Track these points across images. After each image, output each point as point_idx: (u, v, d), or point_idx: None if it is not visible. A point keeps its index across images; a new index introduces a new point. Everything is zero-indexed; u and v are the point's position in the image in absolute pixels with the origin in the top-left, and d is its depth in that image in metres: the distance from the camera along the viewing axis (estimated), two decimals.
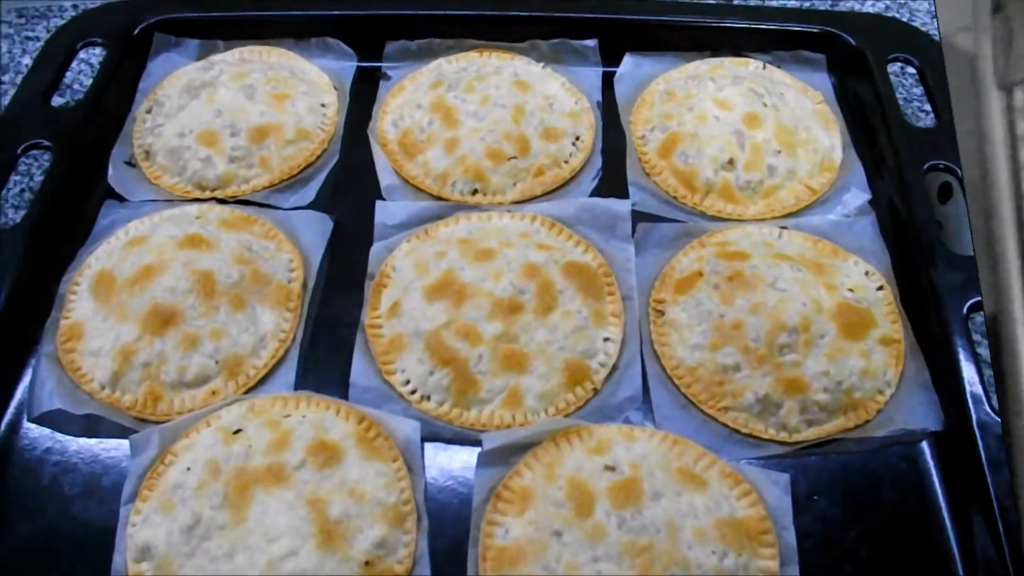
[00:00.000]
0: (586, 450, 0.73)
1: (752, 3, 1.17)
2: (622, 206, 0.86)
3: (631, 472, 0.70)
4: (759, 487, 0.72)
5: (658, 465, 0.71)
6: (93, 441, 0.75)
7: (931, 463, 0.73)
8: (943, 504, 0.71)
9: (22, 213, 0.92)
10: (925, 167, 0.85)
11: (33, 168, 0.96)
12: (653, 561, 0.65)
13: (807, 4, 1.17)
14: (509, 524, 0.69)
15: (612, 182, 0.91)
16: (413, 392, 0.77)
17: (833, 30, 0.97)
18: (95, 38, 0.96)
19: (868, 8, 1.17)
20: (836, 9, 1.17)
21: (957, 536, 0.69)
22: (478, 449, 0.73)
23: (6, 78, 1.09)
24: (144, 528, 0.69)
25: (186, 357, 0.76)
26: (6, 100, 1.04)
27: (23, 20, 1.16)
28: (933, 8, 1.16)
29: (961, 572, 0.68)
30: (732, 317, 0.78)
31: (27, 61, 1.09)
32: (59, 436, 0.75)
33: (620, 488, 0.69)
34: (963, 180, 0.84)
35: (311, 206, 0.89)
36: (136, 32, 0.99)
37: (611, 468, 0.71)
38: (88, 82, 1.00)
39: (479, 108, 0.91)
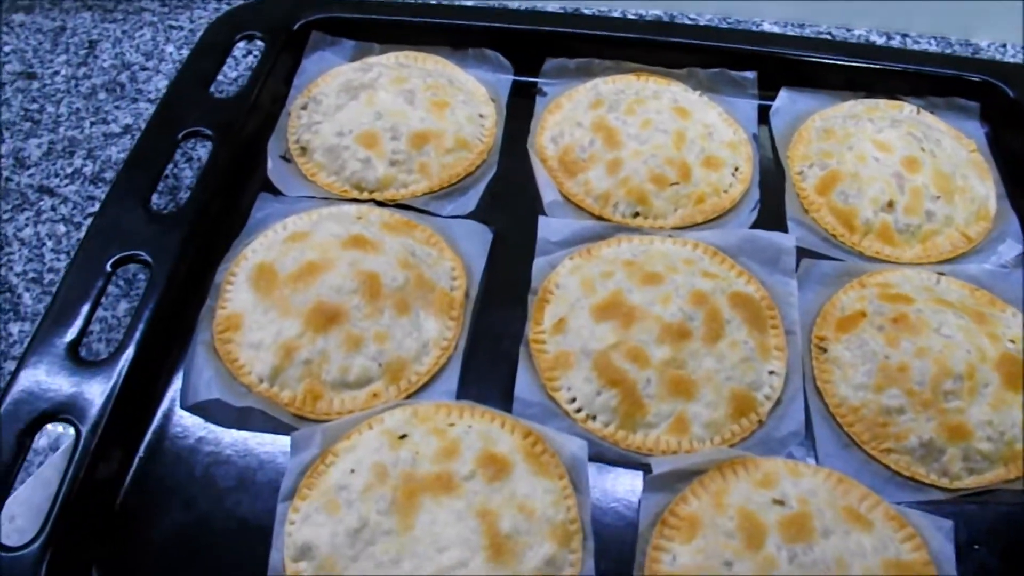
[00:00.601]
0: (752, 482, 0.72)
1: (896, 45, 1.18)
2: (787, 240, 0.86)
3: (800, 507, 0.70)
4: (922, 532, 0.71)
5: (825, 503, 0.71)
6: (247, 434, 0.75)
7: None
8: None
9: (166, 199, 0.93)
10: None
11: (176, 155, 0.95)
12: None
13: (948, 50, 1.18)
14: (676, 551, 0.69)
15: (769, 215, 0.91)
16: (579, 411, 0.76)
17: (992, 80, 0.98)
18: (254, 31, 0.97)
19: (1009, 58, 1.18)
20: (986, 57, 1.18)
21: None
22: (642, 473, 0.73)
23: (150, 64, 1.10)
24: (304, 527, 0.69)
25: (349, 357, 0.76)
26: (150, 86, 1.07)
27: (166, 9, 1.18)
28: None
29: None
30: (897, 359, 0.78)
31: (171, 49, 1.11)
32: (212, 427, 0.75)
33: (790, 522, 0.69)
34: None
35: (470, 216, 0.89)
36: (295, 28, 0.99)
37: (780, 502, 0.71)
38: (233, 75, 1.01)
39: (640, 131, 0.92)
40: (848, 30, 1.18)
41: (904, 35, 1.19)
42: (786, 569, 0.66)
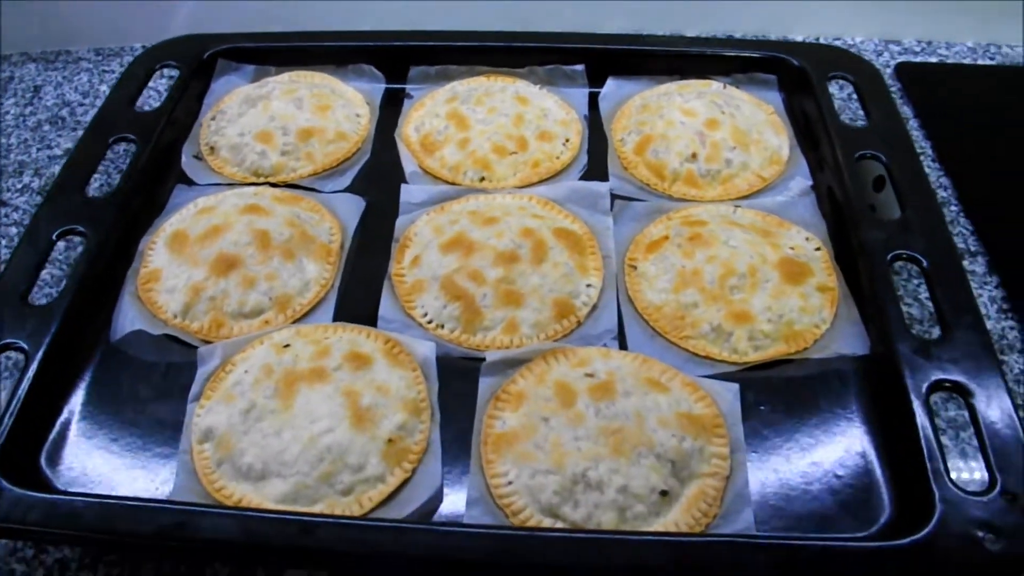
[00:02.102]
0: (570, 364, 0.98)
1: (722, 35, 1.51)
2: (603, 187, 1.18)
3: (607, 377, 0.95)
4: (713, 394, 0.96)
5: (629, 374, 0.96)
6: (164, 358, 1.02)
7: (858, 379, 0.98)
8: (864, 408, 0.95)
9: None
10: (857, 155, 1.14)
11: (109, 167, 1.28)
12: (623, 441, 0.89)
13: (762, 37, 1.52)
14: (506, 417, 0.94)
15: (595, 175, 1.22)
16: (430, 322, 1.04)
17: (780, 55, 1.31)
18: (171, 61, 1.32)
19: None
20: (783, 39, 1.52)
21: (876, 428, 0.94)
22: (481, 365, 0.99)
23: (87, 100, 1.47)
24: (207, 416, 0.95)
25: (245, 294, 1.05)
26: (87, 117, 1.41)
27: (100, 57, 1.57)
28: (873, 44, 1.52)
29: (874, 453, 0.92)
30: (692, 267, 1.05)
31: (104, 88, 1.46)
32: (137, 354, 1.02)
33: (597, 387, 0.94)
34: (890, 168, 1.14)
35: (347, 191, 1.21)
36: (205, 57, 1.34)
37: (590, 375, 0.96)
38: (155, 104, 1.33)
39: (486, 116, 1.25)
40: (682, 36, 1.52)
41: (730, 35, 1.52)
42: (593, 421, 0.91)
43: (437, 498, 0.90)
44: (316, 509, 0.88)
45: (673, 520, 0.87)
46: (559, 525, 0.86)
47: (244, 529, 0.82)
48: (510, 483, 0.90)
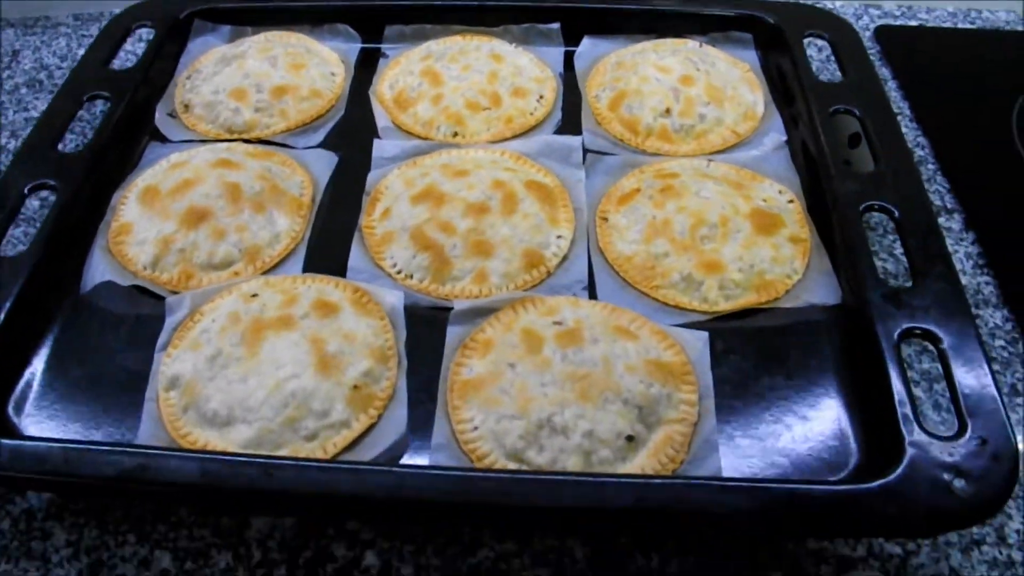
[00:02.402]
0: (539, 313, 0.97)
1: None
2: (575, 140, 1.18)
3: (575, 325, 0.94)
4: (683, 343, 0.95)
5: (597, 322, 0.95)
6: (133, 308, 1.01)
7: (829, 328, 0.97)
8: (834, 356, 0.95)
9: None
10: (831, 109, 1.13)
11: (86, 128, 1.28)
12: (590, 387, 0.88)
13: None
14: (473, 364, 0.93)
15: (569, 130, 1.21)
16: (399, 272, 1.03)
17: (756, 13, 1.30)
18: (147, 21, 1.32)
19: None
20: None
21: (846, 377, 0.93)
22: (450, 314, 0.98)
23: (65, 64, 1.47)
24: (174, 364, 0.94)
25: (215, 246, 1.04)
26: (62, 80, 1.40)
27: (79, 22, 1.57)
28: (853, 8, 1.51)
29: (844, 401, 0.91)
30: (662, 217, 1.05)
31: (82, 51, 1.42)
32: (107, 305, 1.01)
33: (565, 334, 0.93)
34: (864, 121, 1.13)
35: (320, 147, 1.20)
36: (181, 17, 1.34)
37: (559, 323, 0.95)
38: (130, 66, 1.33)
39: (461, 73, 1.24)
40: None
41: None
42: (559, 367, 0.90)
43: (402, 443, 0.89)
44: (280, 454, 0.87)
45: (639, 465, 0.86)
46: (523, 469, 0.85)
47: (205, 471, 0.81)
48: (476, 428, 0.89)
